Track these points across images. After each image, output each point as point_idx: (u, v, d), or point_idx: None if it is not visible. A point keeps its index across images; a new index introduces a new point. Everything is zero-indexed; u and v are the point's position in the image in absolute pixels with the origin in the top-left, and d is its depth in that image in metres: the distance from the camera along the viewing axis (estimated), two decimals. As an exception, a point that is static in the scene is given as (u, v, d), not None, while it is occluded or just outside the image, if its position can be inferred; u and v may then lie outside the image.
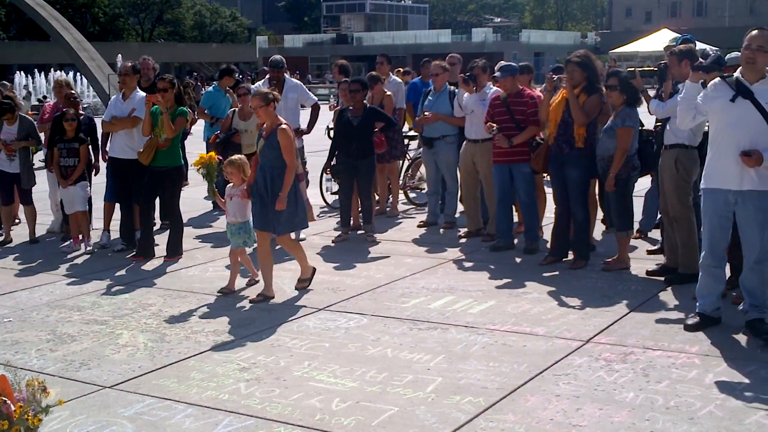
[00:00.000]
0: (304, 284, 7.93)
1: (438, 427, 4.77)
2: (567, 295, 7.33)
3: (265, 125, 7.62)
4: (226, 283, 7.88)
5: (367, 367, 5.77)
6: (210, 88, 13.11)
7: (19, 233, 10.60)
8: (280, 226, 7.60)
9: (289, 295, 7.67)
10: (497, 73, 8.96)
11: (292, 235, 8.36)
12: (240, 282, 7.97)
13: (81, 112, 10.36)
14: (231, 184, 7.88)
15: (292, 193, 7.50)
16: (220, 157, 8.24)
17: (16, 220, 11.14)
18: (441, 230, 10.30)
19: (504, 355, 5.91)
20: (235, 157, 7.96)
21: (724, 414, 4.84)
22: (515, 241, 9.23)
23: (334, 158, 10.06)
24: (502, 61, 9.55)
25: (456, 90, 9.99)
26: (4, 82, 16.27)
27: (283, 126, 7.50)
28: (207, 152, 8.47)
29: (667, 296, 7.25)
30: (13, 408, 4.01)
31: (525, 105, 8.81)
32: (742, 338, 6.11)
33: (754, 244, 6.11)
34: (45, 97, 32.24)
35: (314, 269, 8.04)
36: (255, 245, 7.91)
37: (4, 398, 4.02)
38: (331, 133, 11.23)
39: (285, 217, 7.52)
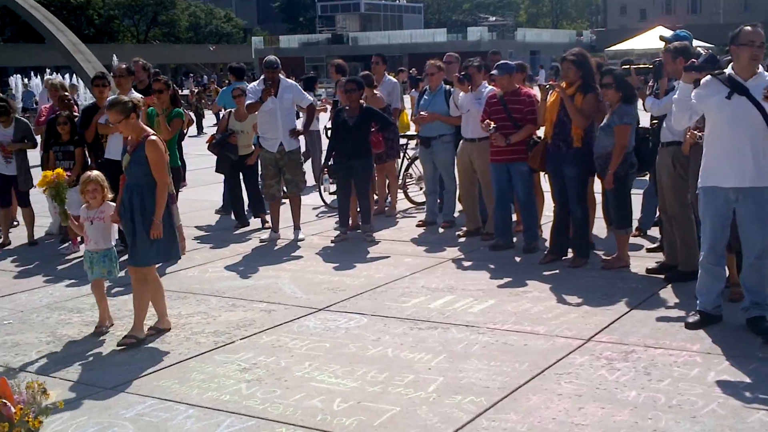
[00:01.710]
0: (134, 339, 6.41)
1: (440, 427, 4.77)
2: (567, 293, 7.32)
3: (129, 138, 6.58)
4: (224, 283, 7.85)
5: (368, 367, 5.76)
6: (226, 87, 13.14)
7: (18, 235, 10.58)
8: (150, 255, 6.48)
9: (289, 296, 7.66)
10: (494, 71, 8.95)
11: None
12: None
13: (76, 113, 10.34)
14: (86, 205, 6.82)
15: (166, 216, 6.48)
16: (69, 173, 7.36)
17: (15, 222, 11.13)
18: (440, 229, 10.29)
19: (505, 355, 5.90)
20: (93, 173, 6.90)
21: (727, 412, 4.83)
22: (514, 239, 9.22)
23: (332, 158, 10.04)
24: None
25: (452, 89, 9.98)
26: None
27: (152, 137, 6.45)
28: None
29: (668, 294, 7.24)
30: (13, 410, 4.00)
31: (522, 103, 8.80)
32: (743, 336, 6.10)
33: (755, 241, 6.11)
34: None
35: (170, 327, 6.75)
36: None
37: (4, 400, 4.01)
38: (329, 133, 11.22)
39: (156, 246, 6.46)
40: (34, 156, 10.87)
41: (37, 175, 10.73)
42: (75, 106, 11.28)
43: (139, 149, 6.39)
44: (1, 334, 6.86)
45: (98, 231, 6.78)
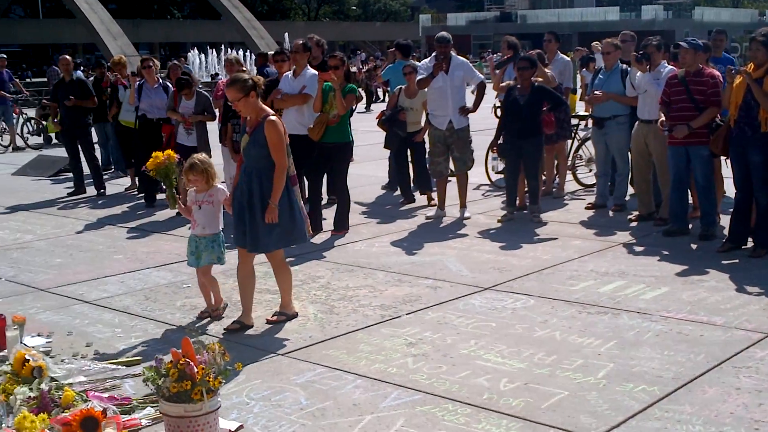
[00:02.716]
0: (282, 312, 6.47)
1: (610, 414, 4.64)
2: (747, 284, 6.97)
3: (248, 119, 6.28)
4: (391, 258, 7.91)
5: (535, 348, 5.69)
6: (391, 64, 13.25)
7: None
8: (270, 240, 6.23)
9: (455, 274, 7.65)
10: (681, 43, 8.56)
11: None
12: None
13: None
14: (194, 189, 6.55)
15: (285, 200, 6.18)
16: (180, 157, 6.79)
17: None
18: (610, 213, 10.02)
19: (679, 344, 5.68)
20: (197, 158, 6.56)
21: None
22: (690, 226, 8.86)
23: (501, 137, 9.93)
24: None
25: (628, 69, 9.67)
26: (176, 61, 16.95)
27: (271, 117, 6.13)
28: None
29: None
30: (196, 370, 4.17)
31: (705, 84, 8.39)
32: None
33: None
34: (217, 74, 33.48)
35: (296, 314, 6.55)
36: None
37: (187, 360, 4.19)
38: (498, 111, 11.12)
39: (277, 231, 6.19)
40: (212, 128, 11.29)
41: (215, 147, 11.21)
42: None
43: (259, 130, 6.09)
44: (181, 298, 7.20)
45: (207, 215, 6.51)
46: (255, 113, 6.15)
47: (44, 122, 19.21)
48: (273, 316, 6.48)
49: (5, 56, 20.35)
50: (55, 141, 19.14)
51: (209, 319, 6.58)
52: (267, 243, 6.22)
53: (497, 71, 11.67)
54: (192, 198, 6.53)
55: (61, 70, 13.00)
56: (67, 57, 13.11)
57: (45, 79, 32.12)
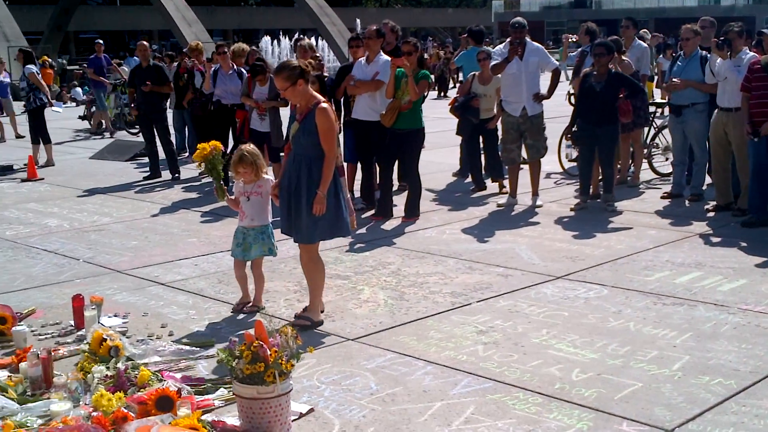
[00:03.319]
0: (307, 316, 6.05)
1: (685, 407, 4.55)
2: (830, 278, 6.77)
3: (298, 106, 6.09)
4: (461, 245, 7.86)
5: (608, 339, 5.60)
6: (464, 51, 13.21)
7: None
8: (314, 232, 5.97)
9: (526, 262, 7.58)
10: (766, 30, 8.33)
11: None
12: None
13: (326, 74, 10.70)
14: (241, 180, 6.32)
15: (331, 191, 5.92)
16: (223, 150, 6.55)
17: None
18: (686, 202, 9.82)
19: (758, 338, 5.54)
20: (245, 149, 6.31)
21: None
22: (770, 217, 8.63)
23: (576, 124, 9.80)
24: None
25: (708, 55, 9.43)
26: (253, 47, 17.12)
27: (323, 104, 5.89)
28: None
29: None
30: (269, 352, 4.21)
31: (789, 71, 8.16)
32: None
33: None
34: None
35: (322, 321, 6.10)
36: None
37: (261, 342, 4.23)
38: (572, 98, 10.96)
39: (321, 222, 5.95)
40: (285, 114, 11.36)
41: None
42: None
43: (309, 117, 5.87)
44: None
45: (256, 207, 6.31)
46: (305, 100, 5.94)
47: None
48: (297, 318, 6.09)
49: (102, 41, 20.71)
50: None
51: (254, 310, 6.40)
52: (310, 234, 5.97)
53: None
54: (240, 189, 6.33)
55: (139, 55, 13.22)
56: (145, 43, 13.32)
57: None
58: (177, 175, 12.90)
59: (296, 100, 6.00)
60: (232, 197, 6.49)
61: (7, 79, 20.62)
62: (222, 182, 6.51)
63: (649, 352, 5.35)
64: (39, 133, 14.42)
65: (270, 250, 6.40)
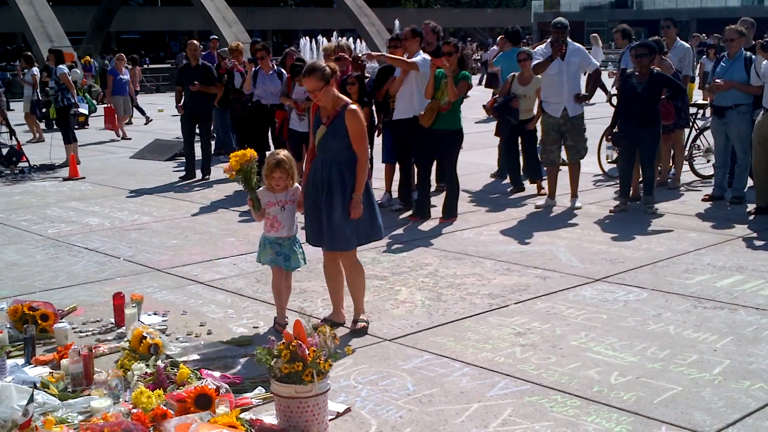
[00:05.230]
0: (363, 319, 5.99)
1: (725, 412, 4.49)
2: None
3: (322, 109, 5.81)
4: (499, 247, 7.82)
5: (647, 342, 5.55)
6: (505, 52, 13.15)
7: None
8: (352, 238, 5.82)
9: (565, 264, 7.54)
10: None
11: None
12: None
13: (367, 75, 10.72)
14: (272, 190, 5.92)
15: (364, 194, 5.76)
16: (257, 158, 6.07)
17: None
18: (728, 205, 9.70)
19: (801, 343, 5.47)
20: (283, 154, 5.94)
21: None
22: (814, 220, 8.51)
23: (617, 126, 9.71)
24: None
25: (753, 56, 9.31)
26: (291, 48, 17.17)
27: (352, 106, 5.72)
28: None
29: None
30: (307, 352, 4.23)
31: (834, 72, 8.03)
32: None
33: None
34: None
35: (368, 323, 6.03)
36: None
37: (299, 342, 4.25)
38: (613, 100, 10.87)
39: (358, 227, 5.80)
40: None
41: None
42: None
43: (338, 120, 5.68)
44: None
45: (290, 216, 5.95)
46: (332, 103, 5.73)
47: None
48: (355, 324, 5.97)
49: (216, 37, 20.38)
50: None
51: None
52: (348, 240, 5.81)
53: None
54: (273, 198, 5.91)
55: (188, 55, 13.29)
56: (195, 42, 13.35)
57: (162, 65, 32.93)
58: (207, 176, 12.95)
59: (326, 101, 5.74)
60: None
61: (127, 76, 20.14)
62: (257, 194, 5.94)
63: (689, 355, 5.30)
64: (62, 132, 14.45)
65: (304, 259, 6.14)
